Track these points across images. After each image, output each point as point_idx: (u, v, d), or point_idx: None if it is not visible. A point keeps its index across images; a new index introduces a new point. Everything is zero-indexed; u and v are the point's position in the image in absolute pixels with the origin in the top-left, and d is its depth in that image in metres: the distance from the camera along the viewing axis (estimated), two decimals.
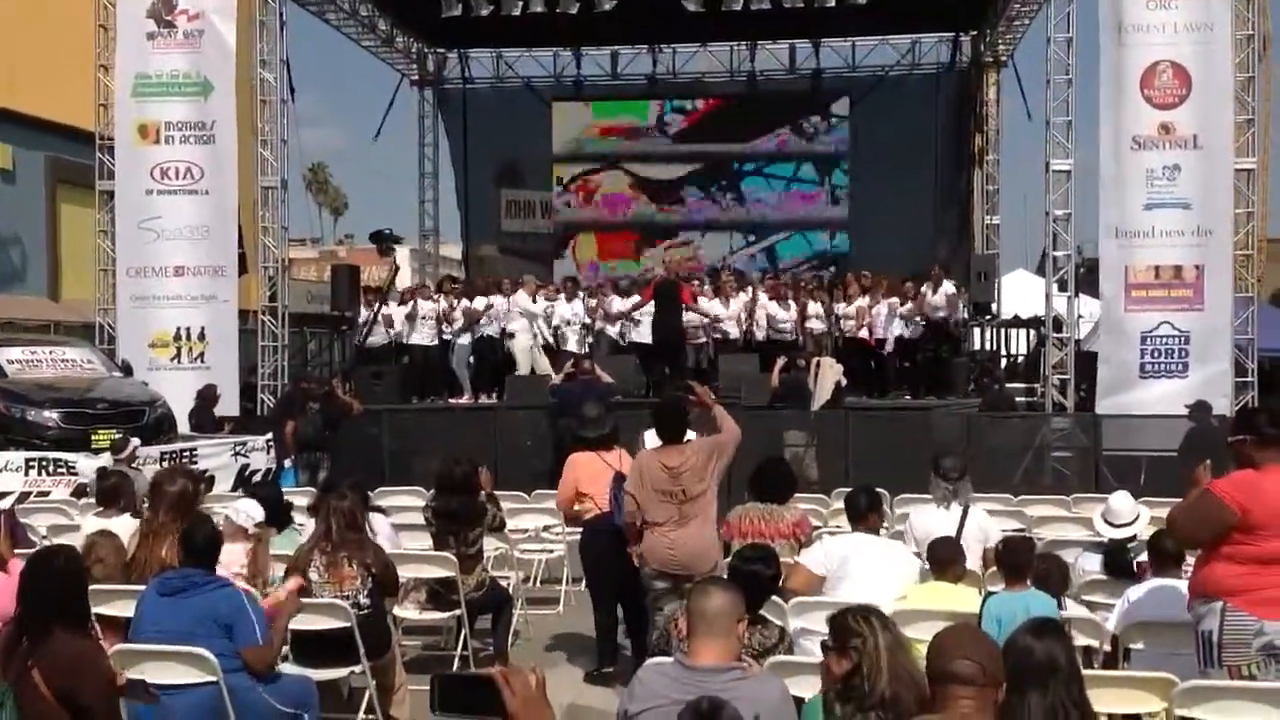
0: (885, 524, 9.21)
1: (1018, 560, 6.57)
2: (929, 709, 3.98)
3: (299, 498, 10.28)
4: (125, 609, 6.56)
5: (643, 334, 18.99)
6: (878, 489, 7.91)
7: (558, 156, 26.45)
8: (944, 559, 6.78)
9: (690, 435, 7.97)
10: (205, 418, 16.29)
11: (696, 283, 20.31)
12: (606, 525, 8.26)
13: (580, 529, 9.00)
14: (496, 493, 9.41)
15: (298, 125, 19.59)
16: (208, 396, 16.49)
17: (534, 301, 19.14)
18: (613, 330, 19.42)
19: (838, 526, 9.31)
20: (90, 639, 5.17)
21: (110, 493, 8.65)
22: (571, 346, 18.71)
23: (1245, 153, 16.69)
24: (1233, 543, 5.61)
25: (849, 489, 8.52)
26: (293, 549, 7.58)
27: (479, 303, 19.23)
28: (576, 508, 8.84)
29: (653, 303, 18.55)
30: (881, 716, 4.27)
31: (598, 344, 19.42)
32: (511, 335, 18.75)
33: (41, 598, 5.07)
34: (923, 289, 18.60)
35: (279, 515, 8.47)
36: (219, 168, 17.85)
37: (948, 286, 18.77)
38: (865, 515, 7.35)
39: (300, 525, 8.80)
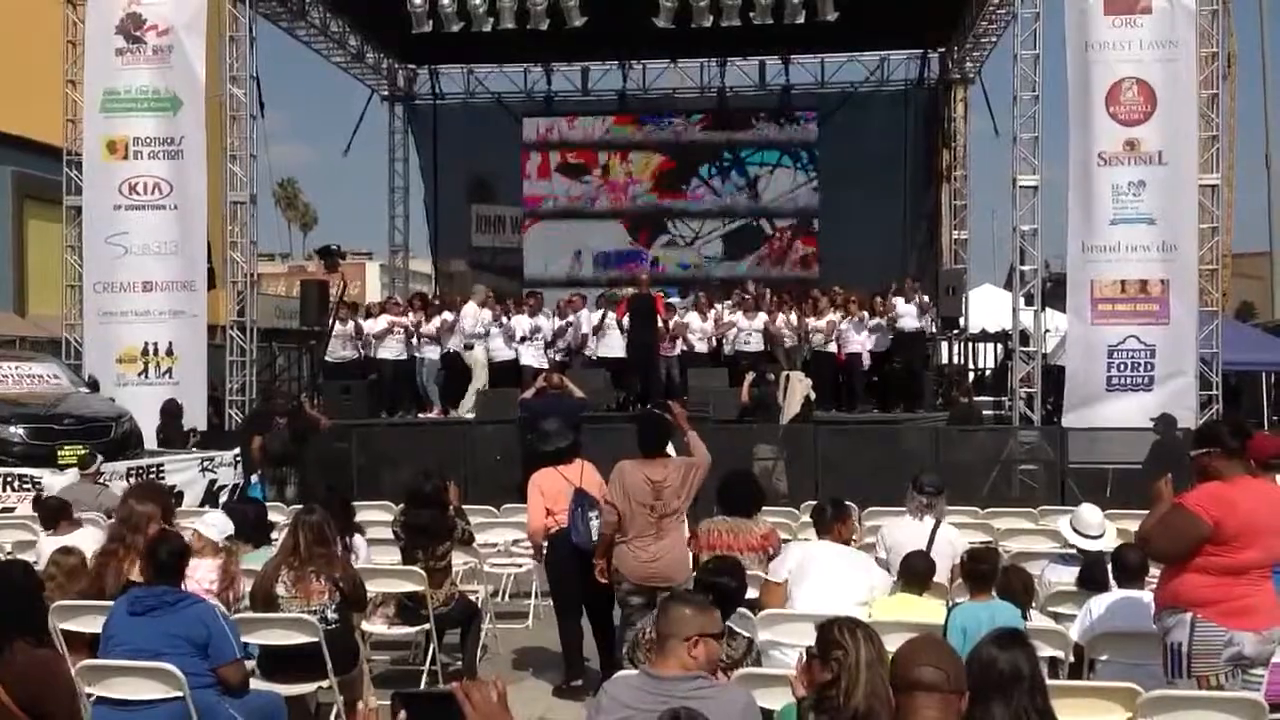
0: (855, 535, 9.26)
1: (982, 570, 6.61)
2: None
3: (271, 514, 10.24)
4: (89, 625, 6.53)
5: (613, 349, 19.03)
6: (846, 501, 7.92)
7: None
8: (919, 572, 6.82)
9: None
10: (172, 431, 16.22)
11: (664, 294, 20.35)
12: (569, 540, 8.28)
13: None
14: (465, 507, 9.44)
15: (267, 141, 19.52)
16: (172, 411, 16.42)
17: (482, 310, 19.09)
18: (590, 346, 19.44)
19: (806, 540, 9.32)
20: (51, 648, 5.15)
21: (54, 514, 8.61)
22: (529, 361, 18.62)
23: (1210, 169, 16.85)
24: (1204, 554, 5.63)
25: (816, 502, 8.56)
26: (256, 563, 7.56)
27: (441, 318, 19.20)
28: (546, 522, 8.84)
29: (627, 317, 18.64)
30: None
31: (569, 360, 19.43)
32: (469, 347, 18.72)
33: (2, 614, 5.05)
34: (891, 299, 18.72)
35: (261, 531, 8.46)
36: (188, 183, 17.76)
37: (918, 297, 18.89)
38: (830, 526, 7.39)
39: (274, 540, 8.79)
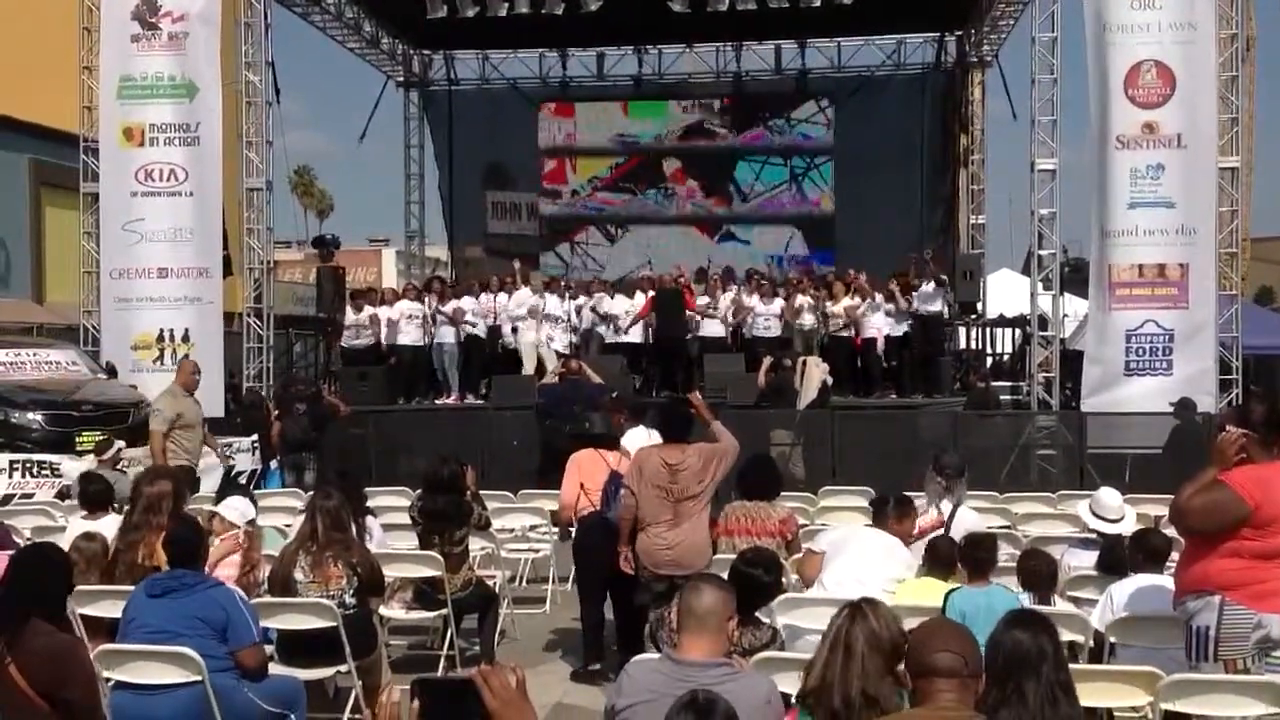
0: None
1: (979, 556, 6.58)
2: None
3: (286, 499, 10.27)
4: (109, 610, 6.55)
5: (631, 335, 19.08)
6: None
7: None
8: (944, 558, 6.81)
9: None
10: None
11: (683, 278, 20.29)
12: (599, 522, 8.29)
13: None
14: (483, 492, 9.44)
15: (283, 127, 19.53)
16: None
17: (541, 297, 19.31)
18: (603, 329, 19.47)
19: (824, 524, 9.32)
20: (70, 633, 5.16)
21: (97, 498, 8.60)
22: (557, 345, 18.73)
23: (1229, 152, 16.74)
24: (1238, 538, 5.54)
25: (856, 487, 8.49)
26: (274, 549, 7.58)
27: (468, 302, 19.23)
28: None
29: (653, 314, 18.75)
30: (851, 712, 4.26)
31: (586, 344, 19.45)
32: (515, 330, 18.78)
33: (20, 593, 5.06)
34: (913, 281, 18.62)
35: None
36: (203, 169, 17.76)
37: (936, 278, 18.82)
38: (886, 518, 7.31)
39: (287, 525, 8.81)
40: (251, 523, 7.73)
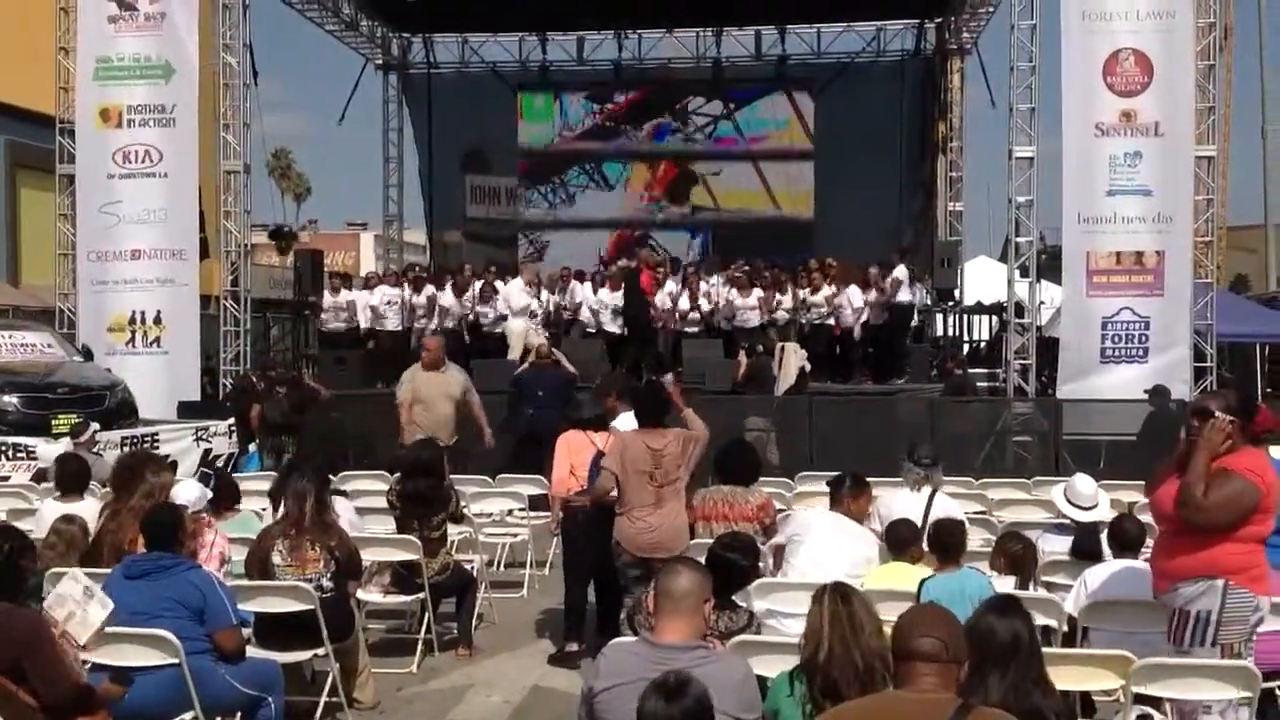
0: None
1: (949, 542, 6.62)
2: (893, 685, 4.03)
3: (265, 483, 10.24)
4: None
5: (610, 322, 19.11)
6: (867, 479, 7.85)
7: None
8: (902, 540, 6.86)
9: None
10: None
11: (661, 271, 20.29)
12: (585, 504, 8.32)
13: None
14: (462, 476, 9.46)
15: (260, 109, 19.44)
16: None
17: (531, 288, 19.39)
18: (585, 316, 19.52)
19: (809, 508, 9.33)
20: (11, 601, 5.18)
21: (75, 481, 8.57)
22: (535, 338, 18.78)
23: (1206, 140, 16.82)
24: (1245, 524, 5.64)
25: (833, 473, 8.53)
26: (248, 532, 7.57)
27: (447, 297, 19.25)
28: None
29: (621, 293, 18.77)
30: (829, 690, 4.31)
31: (568, 333, 19.49)
32: (504, 317, 18.83)
33: None
34: (886, 283, 18.73)
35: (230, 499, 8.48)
36: (180, 151, 17.64)
37: (900, 270, 18.91)
38: (842, 498, 7.36)
39: (264, 510, 8.80)
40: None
